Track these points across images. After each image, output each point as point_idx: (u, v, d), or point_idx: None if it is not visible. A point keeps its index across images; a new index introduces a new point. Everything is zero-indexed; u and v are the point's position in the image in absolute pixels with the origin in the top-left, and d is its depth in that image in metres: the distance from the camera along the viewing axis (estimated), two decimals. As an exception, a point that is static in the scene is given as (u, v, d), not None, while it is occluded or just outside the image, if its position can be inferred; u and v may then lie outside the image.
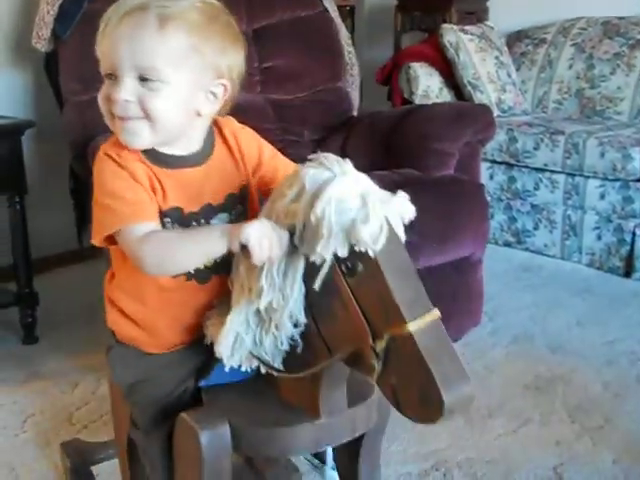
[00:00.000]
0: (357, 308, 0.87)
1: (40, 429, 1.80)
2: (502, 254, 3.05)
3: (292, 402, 1.02)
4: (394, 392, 0.85)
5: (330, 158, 0.90)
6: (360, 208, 0.84)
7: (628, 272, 2.81)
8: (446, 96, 3.41)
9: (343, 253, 0.85)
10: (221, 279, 1.04)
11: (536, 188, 3.05)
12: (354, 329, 0.87)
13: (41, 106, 2.67)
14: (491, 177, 3.16)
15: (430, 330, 0.83)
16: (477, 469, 1.62)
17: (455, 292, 2.04)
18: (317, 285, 0.89)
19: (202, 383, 1.08)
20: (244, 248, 0.89)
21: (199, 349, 1.06)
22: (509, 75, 3.47)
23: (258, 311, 0.95)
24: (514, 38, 3.70)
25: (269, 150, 1.13)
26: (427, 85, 3.38)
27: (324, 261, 0.86)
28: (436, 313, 0.85)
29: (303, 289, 0.92)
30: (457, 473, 1.61)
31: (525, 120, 3.23)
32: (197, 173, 1.04)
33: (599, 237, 2.89)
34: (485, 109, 2.22)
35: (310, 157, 0.92)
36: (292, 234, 0.89)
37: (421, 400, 0.82)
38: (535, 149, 3.00)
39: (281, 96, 2.50)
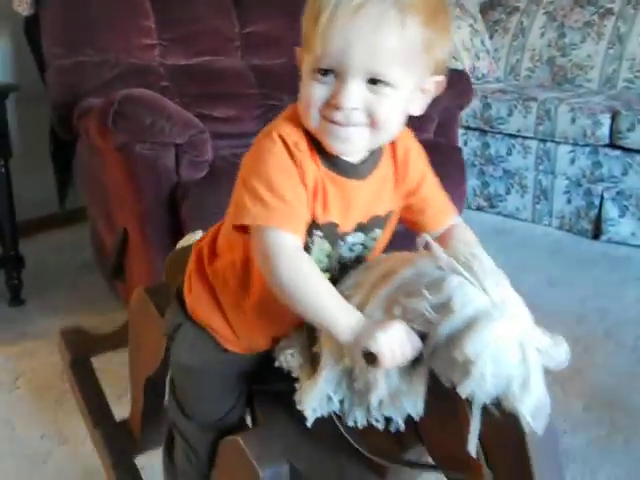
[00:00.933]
0: (480, 450, 0.76)
1: (32, 386, 1.84)
2: (475, 218, 3.13)
3: (363, 442, 0.92)
4: None
5: (484, 268, 0.78)
6: (520, 366, 0.73)
7: (596, 234, 2.92)
8: (421, 63, 3.46)
9: (485, 401, 0.74)
10: None
11: (509, 154, 3.13)
12: (470, 466, 0.78)
13: (21, 70, 2.67)
14: (465, 143, 3.22)
15: None
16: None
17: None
18: (471, 447, 0.75)
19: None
20: (370, 355, 0.78)
21: (266, 354, 0.99)
22: (483, 43, 3.53)
23: (351, 377, 0.86)
24: (487, 6, 3.75)
25: (430, 178, 1.00)
26: (403, 52, 3.42)
27: (456, 392, 0.75)
28: None
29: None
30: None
31: (498, 87, 3.30)
32: (362, 188, 0.90)
33: (569, 201, 2.99)
34: (463, 75, 2.27)
35: (454, 250, 0.81)
36: (421, 339, 0.79)
37: None
38: (508, 115, 3.07)
39: (261, 61, 2.53)
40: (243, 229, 0.87)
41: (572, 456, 1.58)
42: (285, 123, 0.87)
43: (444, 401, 0.78)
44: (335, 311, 0.82)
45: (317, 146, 0.86)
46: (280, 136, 0.85)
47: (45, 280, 2.47)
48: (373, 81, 0.81)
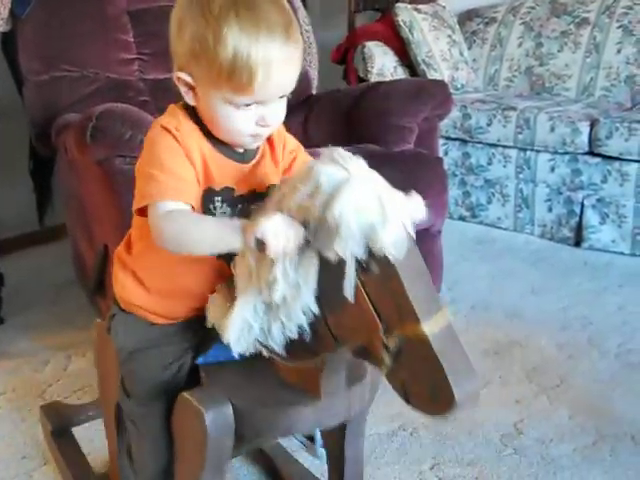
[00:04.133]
0: (369, 304, 0.88)
1: (14, 406, 1.81)
2: (457, 228, 3.14)
3: (292, 382, 1.04)
4: (404, 386, 0.87)
5: (343, 155, 0.90)
6: (378, 212, 0.85)
7: (578, 242, 2.93)
8: (401, 74, 3.48)
9: (360, 255, 0.86)
10: None
11: (489, 163, 3.14)
12: (365, 323, 0.89)
13: (-2, 87, 2.65)
14: (446, 153, 3.24)
15: (442, 330, 0.86)
16: (442, 428, 1.70)
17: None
18: (348, 293, 0.88)
19: (200, 360, 1.09)
20: (259, 242, 0.89)
21: (199, 325, 1.07)
22: (461, 53, 3.56)
23: (267, 300, 0.96)
24: (465, 17, 3.78)
25: (303, 153, 1.15)
26: (382, 64, 3.44)
27: (338, 257, 0.87)
28: (447, 314, 0.87)
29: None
30: (424, 432, 1.69)
31: (478, 97, 3.31)
32: (243, 170, 1.05)
33: (550, 209, 3.00)
34: (442, 85, 2.28)
35: (321, 151, 0.93)
36: (304, 228, 0.90)
37: (432, 395, 0.85)
38: (488, 125, 3.09)
39: (241, 75, 2.52)
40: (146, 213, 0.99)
41: (559, 465, 1.58)
42: (166, 117, 1.01)
43: (336, 279, 0.88)
44: (219, 227, 0.95)
45: (202, 130, 1.01)
46: (162, 126, 0.98)
47: (25, 298, 2.44)
48: (282, 96, 0.98)
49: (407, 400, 0.88)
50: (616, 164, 2.80)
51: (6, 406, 1.82)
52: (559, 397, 1.84)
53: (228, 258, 1.03)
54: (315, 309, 0.94)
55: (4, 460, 1.61)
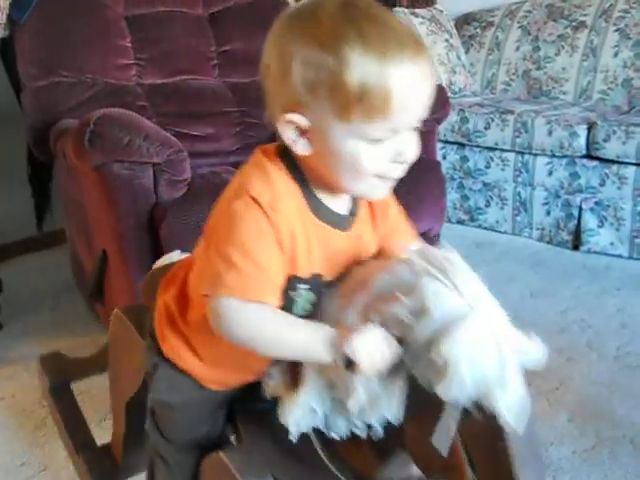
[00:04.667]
0: (463, 454, 0.77)
1: (12, 412, 1.81)
2: (456, 231, 3.13)
3: (343, 460, 0.93)
4: None
5: (454, 264, 0.79)
6: (497, 367, 0.74)
7: (576, 245, 2.93)
8: (398, 78, 3.48)
9: (465, 404, 0.75)
10: None
11: (487, 167, 3.14)
12: (451, 466, 0.78)
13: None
14: (444, 157, 3.24)
15: None
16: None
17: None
18: (440, 445, 0.77)
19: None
20: (349, 360, 0.78)
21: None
22: (459, 57, 3.56)
23: (333, 387, 0.86)
24: (462, 21, 3.79)
25: (393, 206, 0.99)
26: (380, 68, 3.44)
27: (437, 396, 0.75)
28: None
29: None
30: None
31: (475, 101, 3.32)
32: (343, 239, 0.89)
33: (548, 212, 3.01)
34: (440, 89, 2.28)
35: (421, 250, 0.82)
36: (401, 345, 0.79)
37: None
38: (486, 129, 3.09)
39: (239, 79, 2.53)
40: None
41: (558, 468, 1.58)
42: (255, 179, 0.83)
43: (425, 406, 0.78)
44: (304, 339, 0.82)
45: (305, 195, 0.85)
46: (253, 198, 0.81)
47: (24, 303, 2.44)
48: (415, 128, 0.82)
49: None
50: (614, 167, 2.80)
51: (5, 412, 1.81)
52: (558, 400, 1.84)
53: None
54: (395, 421, 0.83)
55: (3, 466, 1.61)
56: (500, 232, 3.15)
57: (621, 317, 2.32)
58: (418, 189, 2.07)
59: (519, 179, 3.06)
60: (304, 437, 0.90)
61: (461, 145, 3.21)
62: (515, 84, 3.55)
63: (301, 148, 0.81)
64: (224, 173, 1.94)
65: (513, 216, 3.11)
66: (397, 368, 0.80)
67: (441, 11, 3.67)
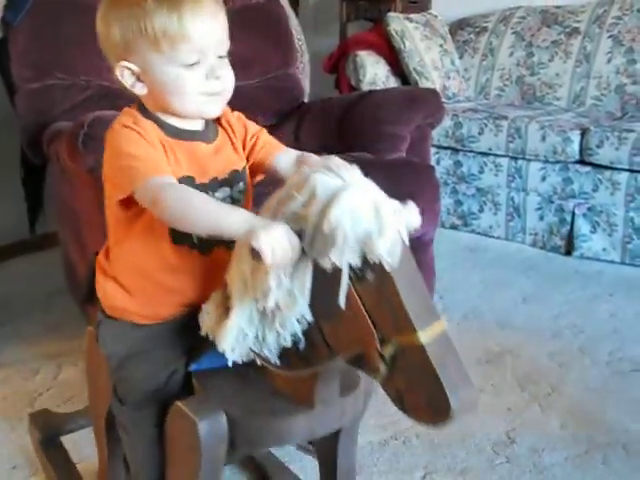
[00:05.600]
0: (365, 313, 0.88)
1: (3, 415, 1.80)
2: (449, 236, 3.14)
3: (285, 391, 1.05)
4: (400, 394, 0.87)
5: (338, 164, 0.91)
6: (374, 219, 0.84)
7: (569, 251, 2.94)
8: (392, 83, 3.49)
9: (356, 263, 0.86)
10: (223, 252, 1.05)
11: (481, 172, 3.15)
12: (360, 332, 0.89)
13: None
14: (438, 162, 3.24)
15: (439, 339, 0.86)
16: (434, 436, 1.70)
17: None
18: (341, 300, 0.88)
19: (193, 367, 1.09)
20: (255, 252, 0.87)
21: (190, 327, 1.06)
22: (453, 62, 3.57)
23: (262, 309, 0.96)
24: (457, 26, 3.80)
25: (264, 134, 1.18)
26: (374, 73, 3.45)
27: (334, 266, 0.87)
28: (443, 323, 0.88)
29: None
30: (416, 441, 1.69)
31: (469, 106, 3.33)
32: (207, 149, 1.09)
33: (541, 218, 3.02)
34: (434, 93, 2.29)
35: (314, 158, 0.97)
36: (300, 237, 0.90)
37: (428, 404, 0.85)
38: (479, 134, 3.10)
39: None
40: (127, 208, 1.04)
41: (551, 474, 1.58)
42: (120, 117, 1.06)
43: (332, 287, 0.88)
44: (223, 212, 0.94)
45: (157, 123, 1.05)
46: (119, 124, 1.04)
47: (16, 307, 2.43)
48: (220, 57, 1.06)
49: (403, 409, 0.88)
50: (607, 173, 2.81)
51: (-4, 415, 1.81)
52: (551, 405, 1.84)
53: (204, 247, 1.07)
54: (310, 318, 0.94)
55: (-6, 470, 1.61)
56: (493, 237, 3.16)
57: (613, 322, 2.32)
58: (412, 194, 2.06)
59: (512, 184, 3.07)
60: (248, 368, 1.02)
61: (455, 150, 3.21)
62: (509, 90, 3.56)
63: (139, 90, 1.06)
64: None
65: (506, 221, 3.12)
66: (301, 260, 0.90)
67: (435, 16, 3.68)
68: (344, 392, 1.06)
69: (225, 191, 1.09)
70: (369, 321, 0.88)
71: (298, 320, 0.94)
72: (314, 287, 0.92)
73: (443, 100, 3.02)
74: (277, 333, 0.97)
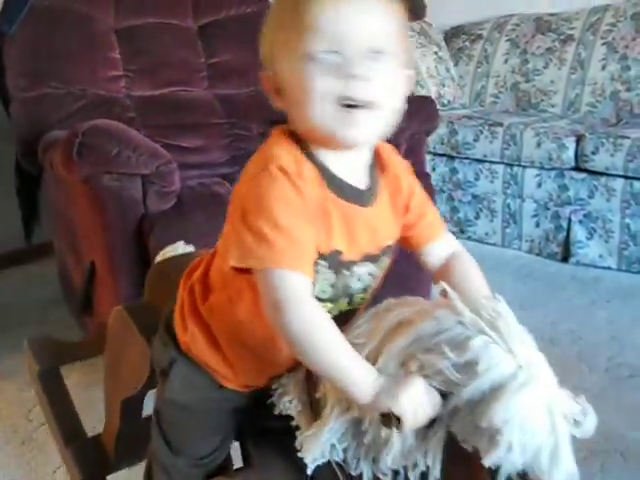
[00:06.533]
0: None
1: (-2, 427, 1.79)
2: (446, 243, 3.13)
3: None
4: None
5: (509, 322, 0.77)
6: (549, 435, 0.72)
7: (565, 257, 2.94)
8: (388, 91, 3.49)
9: (511, 472, 0.72)
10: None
11: (476, 179, 3.15)
12: None
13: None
14: (433, 169, 3.24)
15: None
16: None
17: (405, 277, 2.09)
18: None
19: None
20: (393, 417, 0.75)
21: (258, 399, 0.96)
22: (448, 70, 3.58)
23: (358, 429, 0.82)
24: (451, 34, 3.80)
25: (419, 191, 0.97)
26: (369, 80, 3.45)
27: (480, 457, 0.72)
28: None
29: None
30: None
31: (464, 113, 3.33)
32: (367, 214, 0.87)
33: (537, 224, 3.01)
34: (429, 101, 2.29)
35: (470, 298, 0.80)
36: (442, 399, 0.76)
37: None
38: (475, 141, 3.10)
39: (228, 91, 2.53)
40: (243, 269, 0.83)
41: (550, 481, 1.57)
42: (279, 151, 0.83)
43: (461, 464, 0.75)
44: (351, 370, 0.78)
45: (321, 167, 0.84)
46: (280, 168, 0.80)
47: (11, 317, 2.41)
48: (374, 52, 0.80)
49: None
50: (602, 179, 2.81)
51: (-9, 426, 1.79)
52: (549, 413, 1.83)
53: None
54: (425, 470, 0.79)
55: (-12, 482, 1.59)
56: (490, 244, 3.15)
57: (611, 329, 2.32)
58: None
59: (508, 191, 3.07)
60: (322, 466, 0.87)
61: (450, 157, 3.21)
62: (504, 96, 3.57)
63: (277, 102, 0.85)
64: (213, 185, 1.93)
65: (502, 228, 3.11)
66: (435, 422, 0.77)
67: (430, 24, 3.68)
68: None
69: (368, 267, 0.89)
70: None
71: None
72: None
73: (438, 107, 3.03)
74: (375, 463, 0.82)
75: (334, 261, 0.85)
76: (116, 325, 1.20)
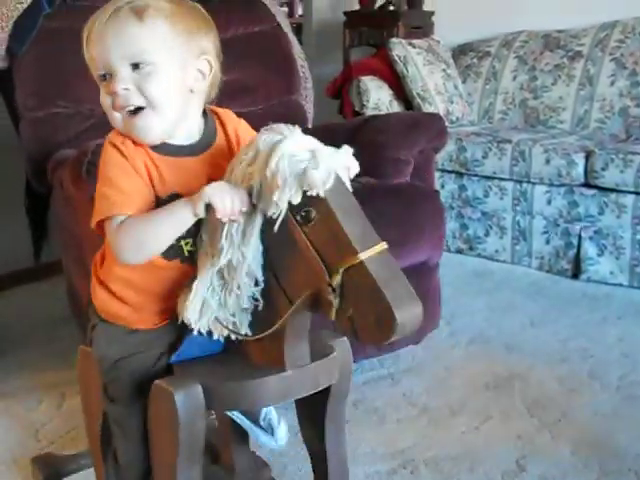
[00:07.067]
0: (313, 251, 0.94)
1: (6, 447, 1.78)
2: (455, 261, 3.12)
3: (259, 363, 1.08)
4: (352, 323, 0.92)
5: (281, 126, 0.99)
6: (310, 159, 0.93)
7: (576, 274, 2.92)
8: (396, 108, 3.50)
9: (297, 199, 0.93)
10: None
11: (486, 195, 3.14)
12: (311, 271, 0.95)
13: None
14: (442, 186, 3.24)
15: (380, 258, 0.92)
16: (443, 465, 1.67)
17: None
18: (275, 227, 0.96)
19: (173, 358, 1.12)
20: (207, 206, 0.97)
21: (175, 327, 1.11)
22: (456, 87, 3.58)
23: (221, 273, 1.02)
24: (459, 51, 3.81)
25: (243, 125, 1.19)
26: (377, 98, 3.46)
27: (281, 212, 0.94)
28: (384, 244, 0.94)
29: (261, 247, 1.00)
30: (424, 470, 1.66)
31: (473, 130, 3.33)
32: (196, 162, 1.10)
33: (547, 241, 3.00)
34: (437, 117, 2.29)
35: (264, 128, 1.00)
36: (250, 195, 0.97)
37: (376, 323, 0.90)
38: (484, 158, 3.10)
39: (237, 109, 2.51)
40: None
41: (562, 502, 1.55)
42: (113, 134, 1.09)
43: (281, 236, 0.96)
44: (169, 209, 1.01)
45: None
46: (110, 143, 1.07)
47: (20, 335, 2.42)
48: (136, 65, 1.03)
49: (355, 336, 0.93)
50: (612, 196, 2.80)
51: (-2, 446, 1.79)
52: (561, 432, 1.81)
53: (189, 260, 1.09)
54: (260, 274, 1.01)
55: (-4, 502, 1.58)
56: (499, 261, 3.14)
57: (623, 346, 2.30)
58: (417, 218, 2.06)
59: (518, 208, 3.06)
60: (225, 355, 1.10)
61: (459, 174, 3.21)
62: (512, 113, 3.56)
63: None
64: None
65: (512, 245, 3.10)
66: (252, 216, 0.98)
67: (438, 42, 3.70)
68: (316, 358, 1.10)
69: None
70: (317, 258, 0.94)
71: (254, 280, 1.01)
72: (267, 241, 0.99)
73: (447, 124, 3.03)
74: (237, 296, 1.02)
75: (175, 199, 1.05)
76: (82, 364, 1.32)
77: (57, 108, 2.20)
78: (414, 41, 3.57)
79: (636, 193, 2.74)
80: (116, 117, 1.07)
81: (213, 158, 1.11)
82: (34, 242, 2.39)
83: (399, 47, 3.47)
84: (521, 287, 2.85)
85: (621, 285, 2.82)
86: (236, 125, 1.17)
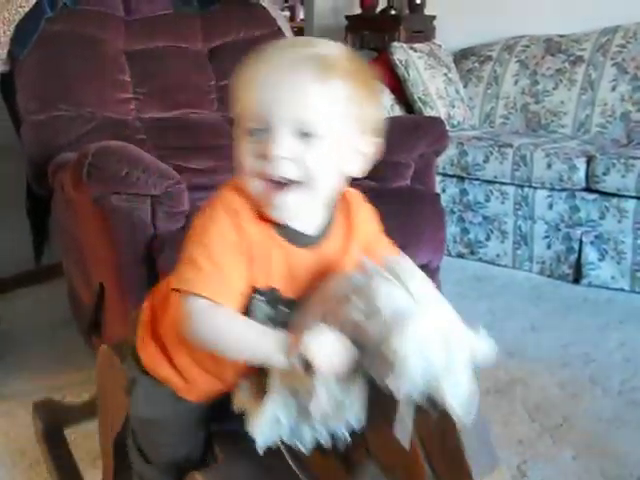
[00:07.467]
0: (419, 444, 0.81)
1: (6, 450, 1.77)
2: (456, 265, 3.12)
3: (312, 472, 0.95)
4: None
5: (405, 269, 0.83)
6: (443, 360, 0.78)
7: (577, 278, 2.91)
8: (397, 112, 3.49)
9: (416, 397, 0.79)
10: None
11: (487, 200, 3.14)
12: (410, 460, 0.82)
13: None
14: (443, 190, 3.23)
15: None
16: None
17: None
18: (400, 435, 0.80)
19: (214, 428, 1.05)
20: (305, 361, 0.80)
21: (222, 404, 1.01)
22: (457, 91, 3.58)
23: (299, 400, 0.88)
24: (461, 56, 3.81)
25: (384, 241, 1.03)
26: (379, 102, 3.45)
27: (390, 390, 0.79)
28: (504, 471, 0.83)
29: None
30: (425, 474, 1.65)
31: (474, 134, 3.32)
32: (308, 256, 0.93)
33: (549, 246, 2.99)
34: (438, 121, 2.29)
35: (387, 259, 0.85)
36: (357, 349, 0.83)
37: None
38: (485, 162, 3.09)
39: (238, 113, 2.53)
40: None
41: (564, 507, 1.54)
42: (227, 192, 0.90)
43: (384, 405, 0.81)
44: (258, 340, 0.85)
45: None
46: (222, 204, 0.89)
47: (20, 338, 2.41)
48: (304, 133, 0.84)
49: None
50: (614, 200, 2.79)
51: (-2, 450, 1.78)
52: (563, 437, 1.80)
53: None
54: (357, 427, 0.86)
55: (-5, 506, 1.58)
56: (500, 265, 3.13)
57: (624, 351, 2.29)
58: (417, 222, 2.05)
59: (519, 212, 3.05)
60: (276, 452, 0.92)
61: (460, 178, 3.20)
62: (514, 117, 3.56)
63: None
64: (223, 206, 1.93)
65: (513, 249, 3.10)
66: (356, 371, 0.82)
67: (439, 46, 3.70)
68: None
69: None
70: (423, 455, 0.81)
71: (344, 427, 0.87)
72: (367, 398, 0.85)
73: (448, 128, 3.03)
74: (315, 429, 0.88)
75: (271, 297, 0.91)
76: (103, 364, 1.26)
77: (58, 111, 2.20)
78: (415, 45, 3.58)
79: (637, 198, 2.73)
80: (255, 183, 0.87)
81: (324, 253, 0.93)
82: (35, 245, 2.39)
83: (400, 51, 3.47)
84: (522, 292, 2.85)
85: (622, 290, 2.81)
86: (366, 218, 0.99)
